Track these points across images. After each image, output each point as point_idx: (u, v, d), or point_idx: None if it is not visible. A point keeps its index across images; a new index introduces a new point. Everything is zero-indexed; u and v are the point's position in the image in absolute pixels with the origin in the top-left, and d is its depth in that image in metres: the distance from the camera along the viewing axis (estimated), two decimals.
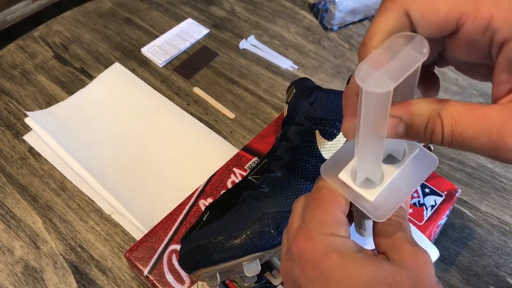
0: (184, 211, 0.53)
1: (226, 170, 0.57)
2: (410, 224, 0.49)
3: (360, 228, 0.32)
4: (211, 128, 0.69)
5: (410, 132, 0.25)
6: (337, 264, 0.26)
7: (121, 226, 0.60)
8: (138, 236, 0.58)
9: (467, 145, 0.23)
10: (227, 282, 0.48)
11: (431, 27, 0.25)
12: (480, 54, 0.25)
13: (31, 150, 0.68)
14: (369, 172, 0.28)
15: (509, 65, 0.23)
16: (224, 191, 0.54)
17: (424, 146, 0.55)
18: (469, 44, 0.24)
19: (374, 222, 0.30)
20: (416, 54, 0.23)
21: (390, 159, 0.29)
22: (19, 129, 0.70)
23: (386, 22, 0.25)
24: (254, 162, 0.57)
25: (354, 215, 0.32)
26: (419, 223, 0.51)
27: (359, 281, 0.25)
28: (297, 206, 0.31)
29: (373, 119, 0.24)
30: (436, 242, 0.57)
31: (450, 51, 0.26)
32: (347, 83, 0.61)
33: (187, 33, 0.83)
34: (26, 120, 0.70)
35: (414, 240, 0.28)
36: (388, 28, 0.25)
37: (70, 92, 0.75)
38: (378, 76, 0.22)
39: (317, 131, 0.50)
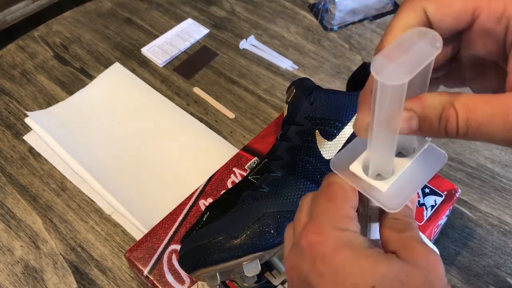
0: (184, 211, 0.53)
1: (226, 170, 0.57)
2: None
3: (365, 235, 0.32)
4: (211, 128, 0.69)
5: (424, 125, 0.25)
6: (350, 259, 0.26)
7: (121, 226, 0.60)
8: (138, 236, 0.58)
9: (483, 132, 0.23)
10: (227, 282, 0.48)
11: (447, 21, 0.25)
12: (495, 46, 0.25)
13: (31, 150, 0.68)
14: (381, 167, 0.28)
15: None
16: (224, 191, 0.54)
17: None
18: (485, 35, 0.25)
19: (381, 223, 0.29)
20: (430, 47, 0.23)
21: (400, 156, 0.29)
22: (19, 129, 0.70)
23: (403, 19, 0.26)
24: (254, 162, 0.57)
25: (360, 221, 0.31)
26: (419, 223, 0.51)
27: (372, 277, 0.25)
28: (304, 202, 0.30)
29: (388, 112, 0.24)
30: (436, 242, 0.57)
31: (465, 48, 0.27)
32: (347, 83, 0.62)
33: (187, 33, 0.83)
34: (26, 120, 0.70)
35: (423, 240, 0.27)
36: (405, 25, 0.26)
37: (70, 92, 0.75)
38: (393, 68, 0.22)
39: (317, 131, 0.50)
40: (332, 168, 0.29)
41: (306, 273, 0.27)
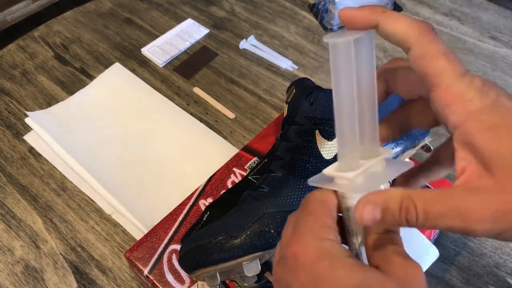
0: (184, 211, 0.53)
1: (226, 170, 0.57)
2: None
3: (358, 258, 0.32)
4: (211, 128, 0.69)
5: (387, 215, 0.27)
6: (327, 268, 0.27)
7: (121, 226, 0.60)
8: (138, 236, 0.58)
9: (440, 223, 0.26)
10: (227, 282, 0.49)
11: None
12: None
13: (31, 150, 0.68)
14: (348, 161, 0.30)
15: (463, 145, 0.26)
16: (224, 191, 0.54)
17: (423, 147, 0.55)
18: (435, 111, 0.28)
19: (366, 238, 0.30)
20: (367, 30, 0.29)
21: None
22: (19, 129, 0.70)
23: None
24: (254, 162, 0.57)
25: (349, 244, 0.32)
26: None
27: (347, 286, 0.26)
28: (290, 220, 0.32)
29: (343, 73, 0.28)
30: (436, 242, 0.57)
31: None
32: None
33: (187, 33, 0.83)
34: (26, 120, 0.70)
35: (406, 253, 0.28)
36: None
37: (70, 92, 0.75)
38: (340, 37, 0.28)
39: (317, 131, 0.50)
40: (308, 182, 0.32)
41: (290, 283, 0.28)
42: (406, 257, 0.28)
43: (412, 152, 0.54)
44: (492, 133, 0.25)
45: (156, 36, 0.83)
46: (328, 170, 0.31)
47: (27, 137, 0.69)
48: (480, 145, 0.25)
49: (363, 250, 0.31)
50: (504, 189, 0.25)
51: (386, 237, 0.29)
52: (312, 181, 0.32)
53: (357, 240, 0.31)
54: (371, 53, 0.29)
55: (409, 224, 0.26)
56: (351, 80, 0.28)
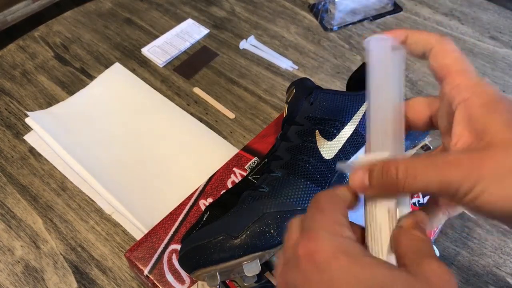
0: (184, 211, 0.53)
1: (226, 170, 0.57)
2: None
3: (376, 253, 0.30)
4: (211, 128, 0.70)
5: (372, 178, 0.29)
6: (346, 267, 0.25)
7: (121, 226, 0.60)
8: (138, 236, 0.58)
9: (420, 178, 0.27)
10: (227, 282, 0.49)
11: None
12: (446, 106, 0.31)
13: (31, 150, 0.68)
14: (382, 140, 0.31)
15: (462, 119, 0.28)
16: (224, 191, 0.54)
17: (422, 147, 0.55)
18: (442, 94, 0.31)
19: (396, 236, 0.28)
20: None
21: None
22: (20, 129, 0.70)
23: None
24: (254, 162, 0.57)
25: (369, 239, 0.30)
26: None
27: (368, 286, 0.24)
28: (293, 222, 0.30)
29: (380, 68, 0.32)
30: (436, 242, 0.58)
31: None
32: (347, 83, 0.62)
33: (187, 33, 0.83)
34: (27, 120, 0.70)
35: (440, 260, 0.26)
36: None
37: (71, 92, 0.75)
38: (377, 38, 0.33)
39: (317, 131, 0.50)
40: (337, 166, 0.33)
41: (303, 284, 0.26)
42: (442, 263, 0.25)
43: (412, 152, 0.54)
44: (491, 105, 0.28)
45: (156, 36, 0.83)
46: (357, 160, 0.32)
47: (27, 137, 0.69)
48: (476, 115, 0.28)
49: (385, 246, 0.28)
50: (490, 147, 0.26)
51: (420, 238, 0.27)
52: (341, 165, 0.33)
53: (381, 234, 0.29)
54: (402, 62, 0.33)
55: (390, 184, 0.27)
56: (391, 75, 0.32)
